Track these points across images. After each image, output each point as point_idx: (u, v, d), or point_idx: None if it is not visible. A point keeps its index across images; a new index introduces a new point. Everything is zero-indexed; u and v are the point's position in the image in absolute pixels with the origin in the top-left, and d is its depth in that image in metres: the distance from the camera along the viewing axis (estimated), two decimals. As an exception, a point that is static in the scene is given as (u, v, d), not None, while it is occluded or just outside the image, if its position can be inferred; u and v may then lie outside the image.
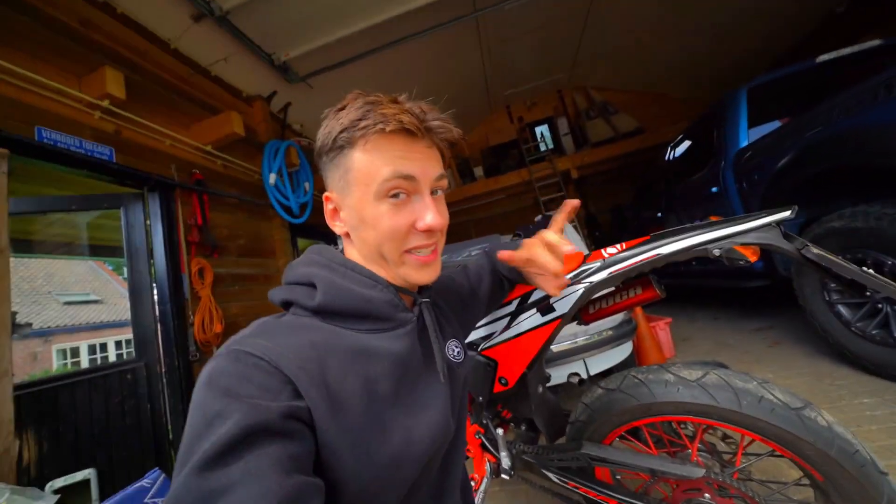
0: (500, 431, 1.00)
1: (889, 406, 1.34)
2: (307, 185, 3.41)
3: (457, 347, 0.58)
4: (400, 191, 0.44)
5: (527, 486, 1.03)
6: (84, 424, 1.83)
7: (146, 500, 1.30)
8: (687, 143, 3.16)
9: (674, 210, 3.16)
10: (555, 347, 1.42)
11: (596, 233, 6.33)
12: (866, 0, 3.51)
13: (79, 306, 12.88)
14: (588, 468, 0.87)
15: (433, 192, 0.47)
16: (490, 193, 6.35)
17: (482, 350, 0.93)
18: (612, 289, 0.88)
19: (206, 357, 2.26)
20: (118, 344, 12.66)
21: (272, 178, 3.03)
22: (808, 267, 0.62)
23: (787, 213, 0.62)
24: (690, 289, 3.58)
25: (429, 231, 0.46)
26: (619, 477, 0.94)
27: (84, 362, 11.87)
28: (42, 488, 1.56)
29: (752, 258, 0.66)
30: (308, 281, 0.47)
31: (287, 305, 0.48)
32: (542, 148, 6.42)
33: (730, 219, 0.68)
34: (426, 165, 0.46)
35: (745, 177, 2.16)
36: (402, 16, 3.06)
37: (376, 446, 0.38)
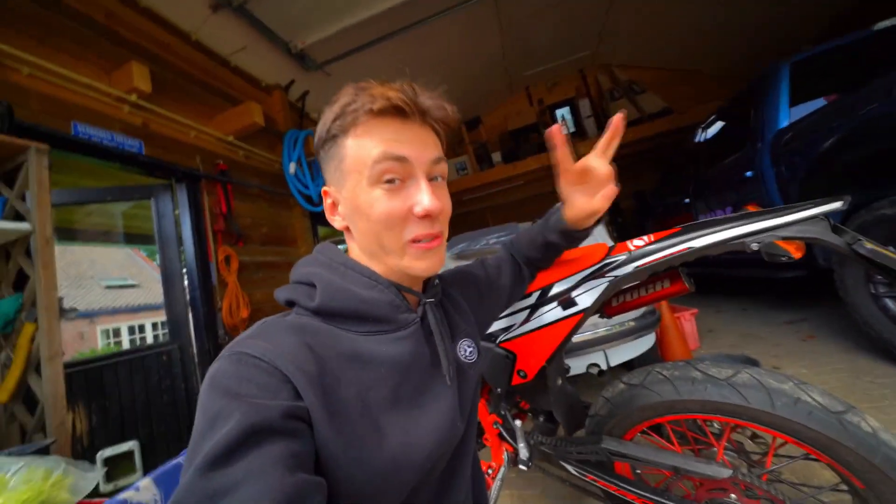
0: (518, 422, 1.00)
1: (938, 407, 1.26)
2: (326, 173, 3.44)
3: (469, 347, 0.55)
4: (394, 175, 0.42)
5: (542, 474, 1.04)
6: (127, 401, 1.97)
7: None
8: (720, 124, 2.97)
9: (703, 196, 3.00)
10: (574, 337, 1.40)
11: (618, 219, 6.10)
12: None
13: (118, 290, 13.78)
14: (607, 462, 0.86)
15: (432, 179, 0.45)
16: (508, 179, 6.17)
17: (501, 342, 0.92)
18: (638, 282, 0.85)
19: (235, 341, 2.36)
20: (154, 326, 13.54)
21: (292, 167, 3.07)
22: (859, 262, 0.57)
23: (837, 204, 0.57)
24: (717, 278, 3.43)
25: (427, 217, 0.43)
26: (639, 472, 0.92)
27: (125, 342, 12.79)
28: (92, 456, 1.73)
29: (796, 254, 0.59)
30: (309, 281, 0.46)
31: (291, 304, 0.48)
32: (564, 132, 6.19)
33: (770, 210, 0.63)
34: (420, 147, 0.44)
35: (784, 159, 2.01)
36: (419, -4, 2.97)
37: (370, 451, 0.38)
